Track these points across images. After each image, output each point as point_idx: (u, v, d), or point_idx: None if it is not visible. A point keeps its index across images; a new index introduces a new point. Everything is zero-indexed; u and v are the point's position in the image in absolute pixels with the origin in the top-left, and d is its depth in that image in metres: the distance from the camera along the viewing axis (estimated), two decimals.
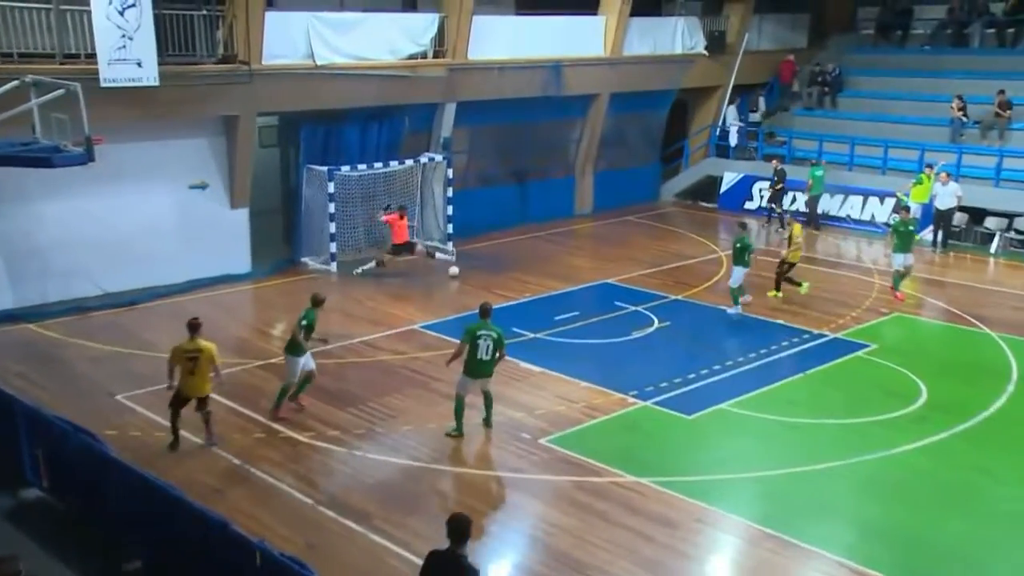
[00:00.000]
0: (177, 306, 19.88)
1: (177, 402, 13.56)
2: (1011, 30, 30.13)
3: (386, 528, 11.74)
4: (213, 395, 13.90)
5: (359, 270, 22.46)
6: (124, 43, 18.54)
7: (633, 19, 28.34)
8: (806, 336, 18.73)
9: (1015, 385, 16.31)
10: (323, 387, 15.71)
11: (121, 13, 18.40)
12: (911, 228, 21.30)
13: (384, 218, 22.57)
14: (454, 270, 22.60)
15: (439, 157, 24.90)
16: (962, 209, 25.70)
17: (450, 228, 24.86)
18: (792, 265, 20.63)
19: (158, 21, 19.14)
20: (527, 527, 12.14)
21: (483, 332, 13.95)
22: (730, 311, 19.77)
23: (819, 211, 27.94)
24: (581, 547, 11.46)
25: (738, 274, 19.67)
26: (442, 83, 24.49)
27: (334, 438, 14.16)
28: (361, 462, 13.56)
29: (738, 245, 19.65)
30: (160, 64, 19.07)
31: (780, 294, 20.56)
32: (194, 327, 13.46)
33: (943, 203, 25.52)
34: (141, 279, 20.59)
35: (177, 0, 20.24)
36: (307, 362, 14.83)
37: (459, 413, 14.19)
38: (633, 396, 15.69)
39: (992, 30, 30.59)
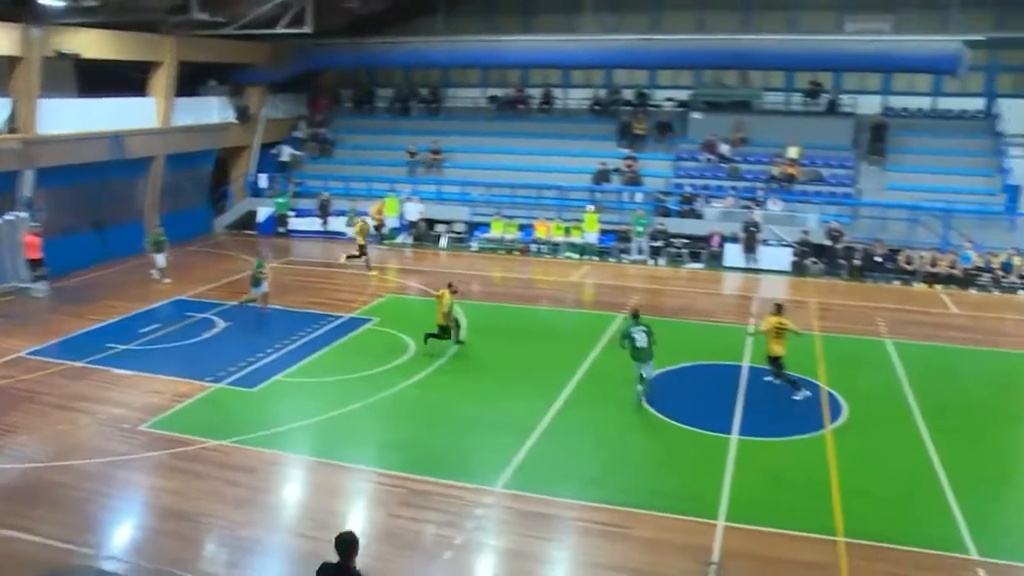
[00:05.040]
0: None
1: None
2: (434, 104, 32.99)
3: (10, 520, 10.40)
4: None
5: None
6: None
7: (178, 99, 26.75)
8: (331, 319, 19.16)
9: (466, 330, 17.54)
10: None
11: None
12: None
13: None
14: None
15: (23, 214, 21.67)
16: (424, 221, 27.77)
17: None
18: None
19: None
20: (141, 496, 11.46)
21: (634, 329, 13.83)
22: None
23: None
24: (184, 502, 11.11)
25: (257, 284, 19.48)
26: (17, 154, 21.32)
27: None
28: None
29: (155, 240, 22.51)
30: None
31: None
32: None
33: (412, 216, 27.47)
34: None
35: None
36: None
37: (638, 381, 13.96)
38: (209, 381, 15.22)
39: (423, 104, 33.27)
